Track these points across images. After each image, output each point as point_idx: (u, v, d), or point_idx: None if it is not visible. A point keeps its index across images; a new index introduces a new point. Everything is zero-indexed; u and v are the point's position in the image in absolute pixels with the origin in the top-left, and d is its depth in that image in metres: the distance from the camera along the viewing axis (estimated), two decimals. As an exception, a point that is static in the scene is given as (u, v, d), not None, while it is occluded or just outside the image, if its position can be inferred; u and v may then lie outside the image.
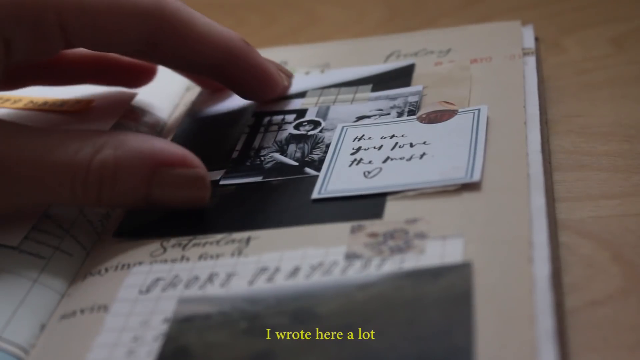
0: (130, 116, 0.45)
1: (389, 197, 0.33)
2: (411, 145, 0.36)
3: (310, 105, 0.41)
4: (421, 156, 0.35)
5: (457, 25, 0.49)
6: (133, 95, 0.45)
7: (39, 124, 0.43)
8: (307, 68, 0.45)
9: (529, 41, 0.43)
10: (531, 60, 0.41)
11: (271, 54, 0.42)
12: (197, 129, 0.43)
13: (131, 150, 0.33)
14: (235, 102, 0.43)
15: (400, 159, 0.35)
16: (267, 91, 0.41)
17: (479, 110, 0.37)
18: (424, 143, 0.36)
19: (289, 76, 0.43)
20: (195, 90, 0.47)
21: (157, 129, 0.45)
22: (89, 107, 0.44)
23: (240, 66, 0.39)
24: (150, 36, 0.36)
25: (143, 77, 0.44)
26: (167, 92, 0.47)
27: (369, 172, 0.35)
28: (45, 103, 0.44)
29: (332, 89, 0.42)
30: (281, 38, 0.58)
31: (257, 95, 0.41)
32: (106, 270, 0.33)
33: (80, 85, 0.44)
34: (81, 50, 0.42)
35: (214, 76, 0.40)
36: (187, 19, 0.37)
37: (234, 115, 0.42)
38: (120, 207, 0.35)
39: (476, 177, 0.33)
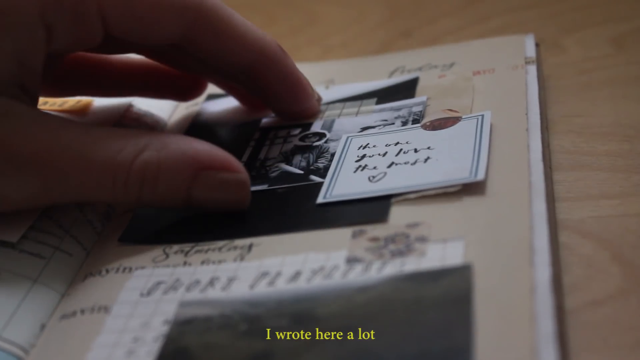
0: (129, 117, 0.45)
1: (393, 201, 0.33)
2: (415, 150, 0.36)
3: (315, 119, 0.41)
4: (425, 160, 0.35)
5: (457, 25, 0.49)
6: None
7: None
8: (312, 84, 0.45)
9: (530, 50, 0.43)
10: (532, 69, 0.41)
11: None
12: (203, 136, 0.43)
13: (174, 152, 0.33)
14: (240, 116, 0.43)
15: (405, 163, 0.35)
16: (298, 101, 0.40)
17: (482, 115, 0.37)
18: (428, 148, 0.36)
19: (319, 99, 0.42)
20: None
21: (157, 129, 0.45)
22: (89, 107, 0.44)
23: (273, 71, 0.38)
24: (188, 30, 0.36)
25: (193, 89, 0.44)
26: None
27: (373, 177, 0.35)
28: (46, 102, 0.44)
29: (337, 104, 0.43)
30: (281, 38, 0.57)
31: (287, 104, 0.40)
32: (107, 271, 0.33)
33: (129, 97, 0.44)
34: (132, 59, 0.43)
35: (247, 79, 0.39)
36: (225, 16, 0.37)
37: (240, 128, 0.42)
38: (159, 207, 0.35)
39: (480, 176, 0.33)
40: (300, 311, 0.29)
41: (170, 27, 0.36)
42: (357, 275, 0.30)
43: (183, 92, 0.44)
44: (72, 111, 0.44)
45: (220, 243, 0.33)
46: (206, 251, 0.33)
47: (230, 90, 0.44)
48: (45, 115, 0.34)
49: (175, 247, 0.34)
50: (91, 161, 0.32)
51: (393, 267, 0.30)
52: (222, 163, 0.33)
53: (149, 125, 0.45)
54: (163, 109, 0.46)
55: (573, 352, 0.27)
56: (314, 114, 0.41)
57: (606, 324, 0.28)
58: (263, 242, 0.33)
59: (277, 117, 0.42)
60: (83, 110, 0.44)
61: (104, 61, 0.42)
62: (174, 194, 0.33)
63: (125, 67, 0.43)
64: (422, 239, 0.31)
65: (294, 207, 0.35)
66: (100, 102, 0.45)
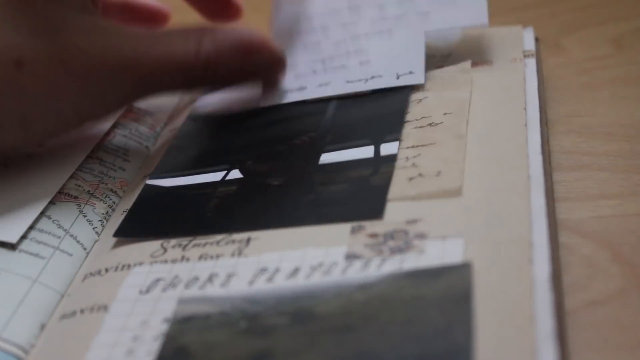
0: (129, 115, 0.45)
1: (389, 198, 0.33)
2: None
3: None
4: None
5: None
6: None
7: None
8: None
9: (529, 43, 0.43)
10: (531, 62, 0.41)
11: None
12: (199, 130, 0.43)
13: (226, 42, 0.39)
14: (236, 105, 0.43)
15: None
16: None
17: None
18: None
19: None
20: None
21: (157, 129, 0.45)
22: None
23: None
24: None
25: (158, 18, 0.48)
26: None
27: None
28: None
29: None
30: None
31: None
32: (106, 270, 0.33)
33: None
34: None
35: None
36: None
37: (236, 116, 0.42)
38: (220, 87, 0.42)
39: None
40: (300, 309, 0.29)
41: None
42: (357, 272, 0.30)
43: (149, 20, 0.48)
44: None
45: (218, 237, 0.33)
46: (204, 245, 0.33)
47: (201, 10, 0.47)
48: (119, 27, 0.38)
49: (173, 241, 0.33)
50: (165, 60, 0.38)
51: (392, 264, 0.30)
52: (263, 44, 0.40)
53: (149, 124, 0.45)
54: (163, 109, 0.47)
55: (573, 352, 0.27)
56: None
57: (606, 324, 0.28)
58: (261, 236, 0.33)
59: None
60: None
61: None
62: (231, 74, 0.40)
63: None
64: (421, 236, 0.31)
65: (291, 201, 0.35)
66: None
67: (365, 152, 0.36)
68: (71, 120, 0.37)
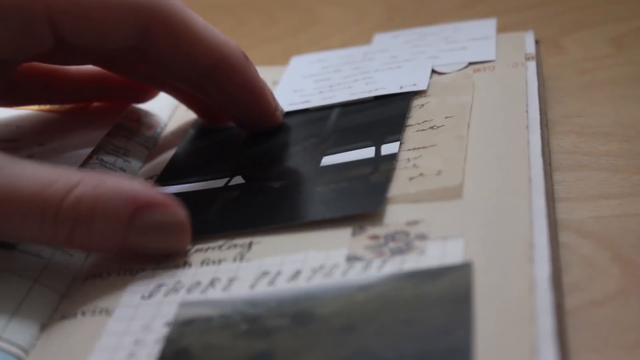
0: (130, 117, 0.45)
1: (390, 199, 0.33)
2: None
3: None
4: None
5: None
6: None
7: (37, 125, 0.43)
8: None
9: (530, 46, 0.43)
10: (532, 65, 0.41)
11: (260, 73, 0.39)
12: (203, 138, 0.43)
13: (111, 190, 0.30)
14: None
15: None
16: (258, 112, 0.39)
17: None
18: None
19: (281, 111, 0.41)
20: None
21: (158, 129, 0.45)
22: (90, 107, 0.44)
23: (234, 78, 0.37)
24: (143, 30, 0.35)
25: (144, 96, 0.44)
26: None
27: None
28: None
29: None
30: (281, 38, 0.58)
31: (247, 113, 0.39)
32: (108, 274, 0.33)
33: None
34: (86, 68, 0.42)
35: (207, 86, 0.37)
36: (183, 17, 0.35)
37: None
38: (93, 251, 0.34)
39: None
40: (301, 310, 0.29)
41: (124, 28, 0.35)
42: (357, 274, 0.30)
43: (134, 97, 0.44)
44: (73, 110, 0.44)
45: (220, 241, 0.33)
46: (206, 250, 0.33)
47: (188, 102, 0.43)
48: None
49: None
50: (16, 193, 0.30)
51: (393, 266, 0.30)
52: (160, 201, 0.31)
53: (149, 125, 0.45)
54: (163, 109, 0.46)
55: (573, 352, 0.27)
56: (274, 126, 0.40)
57: (606, 324, 0.28)
58: (263, 240, 0.33)
59: (237, 127, 0.41)
60: (84, 111, 0.44)
61: (56, 71, 0.42)
62: (109, 236, 0.31)
63: (78, 76, 0.42)
64: (422, 237, 0.31)
65: (291, 203, 0.35)
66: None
67: (367, 153, 0.37)
68: None
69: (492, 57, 0.43)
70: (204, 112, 0.43)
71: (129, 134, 0.44)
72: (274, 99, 0.40)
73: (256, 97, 0.38)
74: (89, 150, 0.40)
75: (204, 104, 0.42)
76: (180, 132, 0.44)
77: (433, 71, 0.43)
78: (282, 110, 0.41)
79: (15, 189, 0.30)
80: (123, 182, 0.31)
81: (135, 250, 0.31)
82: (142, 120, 0.45)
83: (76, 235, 0.30)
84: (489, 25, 0.47)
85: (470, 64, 0.43)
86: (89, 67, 0.42)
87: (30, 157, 0.40)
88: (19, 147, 0.41)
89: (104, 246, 0.31)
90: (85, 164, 0.40)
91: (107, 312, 0.31)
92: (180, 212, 0.31)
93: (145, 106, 0.46)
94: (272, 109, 0.39)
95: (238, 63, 0.37)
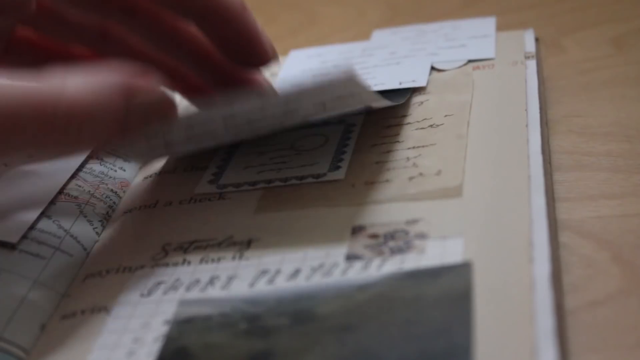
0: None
1: (391, 198, 0.33)
2: None
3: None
4: None
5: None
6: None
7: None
8: None
9: (530, 45, 0.43)
10: (532, 64, 0.41)
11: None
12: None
13: (102, 82, 0.31)
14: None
15: None
16: (253, 58, 0.38)
17: None
18: None
19: (274, 52, 0.40)
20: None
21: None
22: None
23: (229, 23, 0.37)
24: None
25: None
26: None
27: None
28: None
29: None
30: (281, 38, 0.58)
31: (241, 58, 0.39)
32: (107, 272, 0.33)
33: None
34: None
35: (201, 23, 0.37)
36: None
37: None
38: (99, 148, 0.35)
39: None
40: (300, 310, 0.29)
41: None
42: (357, 273, 0.30)
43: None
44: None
45: (220, 239, 0.33)
46: (205, 248, 0.33)
47: (170, 83, 0.41)
48: None
49: (175, 244, 0.34)
50: (29, 102, 0.30)
51: (393, 265, 0.30)
52: (143, 81, 0.32)
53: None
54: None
55: (573, 351, 0.27)
56: (266, 62, 0.39)
57: (606, 324, 0.28)
58: (262, 238, 0.33)
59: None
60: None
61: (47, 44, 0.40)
62: (112, 125, 0.31)
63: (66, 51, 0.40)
64: (422, 236, 0.31)
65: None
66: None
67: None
68: None
69: (491, 55, 0.43)
70: (186, 89, 0.42)
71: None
72: (271, 46, 0.39)
73: (252, 44, 0.38)
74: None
75: (185, 81, 0.42)
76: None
77: (432, 68, 0.43)
78: (275, 52, 0.40)
79: (26, 98, 0.30)
80: (105, 74, 0.31)
81: (134, 132, 0.32)
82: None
83: (84, 133, 0.31)
84: (488, 24, 0.48)
85: (470, 61, 0.43)
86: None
87: (31, 157, 0.40)
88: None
89: (109, 137, 0.32)
90: (85, 164, 0.40)
91: (106, 310, 0.31)
92: (161, 90, 0.33)
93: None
94: (267, 57, 0.39)
95: (235, 9, 0.37)
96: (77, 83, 0.30)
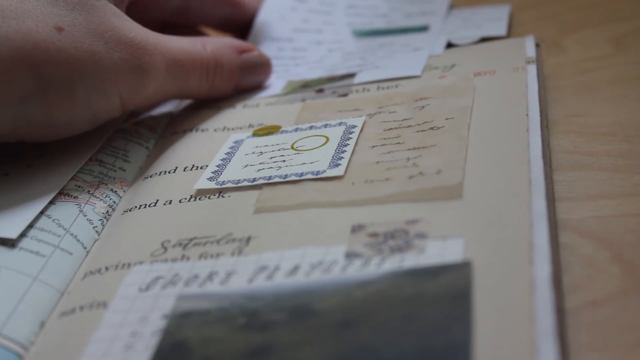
0: (130, 120, 0.45)
1: (391, 198, 0.33)
2: None
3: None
4: None
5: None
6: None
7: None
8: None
9: (530, 50, 0.44)
10: (532, 68, 0.41)
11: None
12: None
13: (223, 44, 0.45)
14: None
15: None
16: (235, 21, 0.53)
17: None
18: None
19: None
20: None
21: (158, 130, 0.45)
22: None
23: None
24: None
25: None
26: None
27: None
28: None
29: None
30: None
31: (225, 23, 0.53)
32: (106, 269, 0.33)
33: None
34: None
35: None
36: None
37: None
38: (223, 94, 0.46)
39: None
40: (299, 305, 0.29)
41: None
42: (356, 271, 0.30)
43: None
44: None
45: (219, 235, 0.33)
46: (204, 244, 0.33)
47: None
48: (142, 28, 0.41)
49: (174, 241, 0.34)
50: (186, 51, 0.42)
51: (392, 263, 0.30)
52: (250, 47, 0.46)
53: (149, 127, 0.45)
54: (163, 110, 0.47)
55: (573, 351, 0.27)
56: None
57: (606, 324, 0.28)
58: (261, 235, 0.33)
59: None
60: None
61: None
62: (232, 76, 0.45)
63: None
64: (422, 236, 0.31)
65: None
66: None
67: None
68: (113, 101, 0.39)
69: (502, 32, 0.49)
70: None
71: (129, 135, 0.44)
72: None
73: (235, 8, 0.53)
74: (90, 153, 0.40)
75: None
76: (179, 133, 0.44)
77: (449, 44, 0.48)
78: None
79: (188, 53, 0.42)
80: (224, 40, 0.46)
81: (243, 86, 0.46)
82: (141, 121, 0.45)
83: (216, 81, 0.45)
84: (502, 10, 0.52)
85: (482, 39, 0.48)
86: None
87: (33, 156, 0.40)
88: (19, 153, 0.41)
89: (230, 86, 0.46)
90: (84, 165, 0.40)
91: (104, 305, 0.31)
92: (260, 51, 0.47)
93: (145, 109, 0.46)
94: (249, 17, 0.53)
95: None
96: (212, 47, 0.44)
